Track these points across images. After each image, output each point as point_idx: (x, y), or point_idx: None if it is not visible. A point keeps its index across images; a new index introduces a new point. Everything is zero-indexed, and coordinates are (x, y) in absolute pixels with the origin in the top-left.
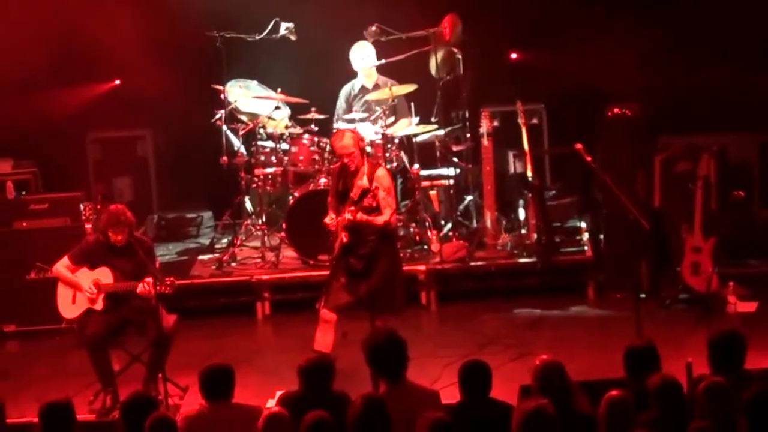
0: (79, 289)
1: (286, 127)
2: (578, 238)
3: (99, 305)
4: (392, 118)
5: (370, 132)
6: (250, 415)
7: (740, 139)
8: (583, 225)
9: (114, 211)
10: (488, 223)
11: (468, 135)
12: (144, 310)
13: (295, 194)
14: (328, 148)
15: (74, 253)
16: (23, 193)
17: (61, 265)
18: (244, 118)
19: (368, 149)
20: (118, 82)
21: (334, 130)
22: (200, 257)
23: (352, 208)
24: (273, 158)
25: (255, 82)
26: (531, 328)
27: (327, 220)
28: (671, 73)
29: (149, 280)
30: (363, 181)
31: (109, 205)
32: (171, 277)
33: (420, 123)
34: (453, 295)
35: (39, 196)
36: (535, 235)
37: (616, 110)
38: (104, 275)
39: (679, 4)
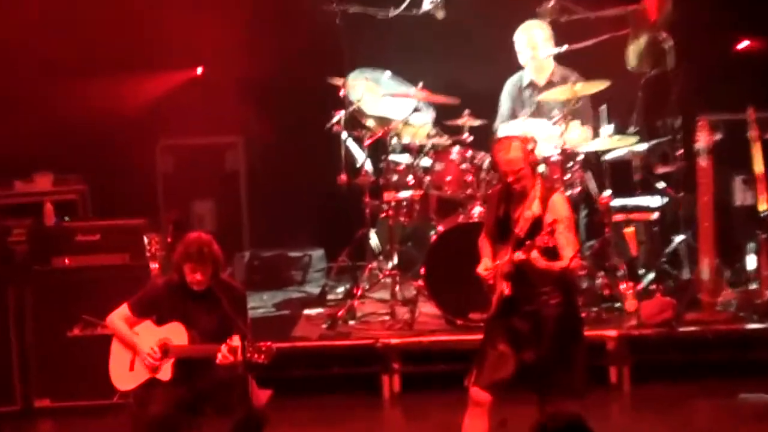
0: (137, 351)
1: (429, 137)
2: None
3: (166, 374)
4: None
5: (544, 132)
6: None
7: None
8: None
9: (195, 240)
10: (705, 274)
11: (679, 152)
12: (228, 383)
13: (439, 228)
14: (485, 165)
15: (136, 300)
16: (66, 218)
17: (118, 317)
18: (370, 122)
19: (541, 168)
20: (199, 70)
21: (496, 138)
22: (306, 311)
23: (525, 245)
24: (410, 178)
25: (387, 74)
26: (762, 421)
27: (481, 269)
28: None
29: (235, 343)
30: (533, 209)
31: (184, 235)
32: (267, 342)
33: (613, 134)
34: (654, 371)
35: (88, 223)
36: None
37: None
38: (176, 333)
39: None
